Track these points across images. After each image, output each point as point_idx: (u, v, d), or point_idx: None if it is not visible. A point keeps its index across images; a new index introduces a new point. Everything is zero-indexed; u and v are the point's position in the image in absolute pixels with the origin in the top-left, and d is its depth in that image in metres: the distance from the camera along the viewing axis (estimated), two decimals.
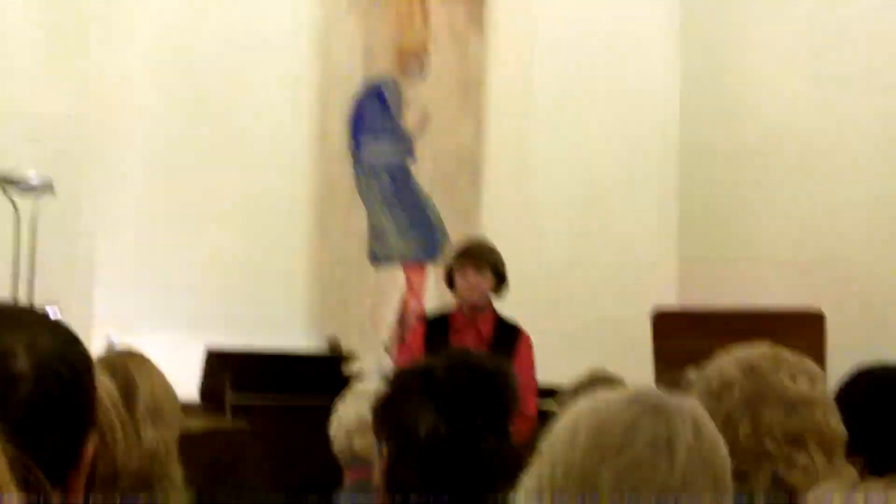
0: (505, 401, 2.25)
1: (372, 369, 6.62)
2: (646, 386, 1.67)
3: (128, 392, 2.33)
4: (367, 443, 3.14)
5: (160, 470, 2.69)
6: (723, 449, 1.63)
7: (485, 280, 5.76)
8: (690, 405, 1.64)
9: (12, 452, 1.00)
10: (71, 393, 1.40)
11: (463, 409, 2.19)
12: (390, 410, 2.25)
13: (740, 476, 2.12)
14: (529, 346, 5.80)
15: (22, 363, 1.36)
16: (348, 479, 3.37)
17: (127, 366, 2.56)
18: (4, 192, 7.04)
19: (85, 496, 1.78)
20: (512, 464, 2.10)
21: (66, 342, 1.43)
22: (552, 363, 5.67)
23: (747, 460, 2.25)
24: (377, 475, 2.29)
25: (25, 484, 0.96)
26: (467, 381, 2.21)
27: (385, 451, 2.25)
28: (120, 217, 7.54)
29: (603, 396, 1.63)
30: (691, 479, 1.56)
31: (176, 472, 2.76)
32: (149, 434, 2.62)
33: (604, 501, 1.54)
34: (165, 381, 2.80)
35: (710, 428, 1.64)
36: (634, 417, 1.58)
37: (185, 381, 4.01)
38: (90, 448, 1.45)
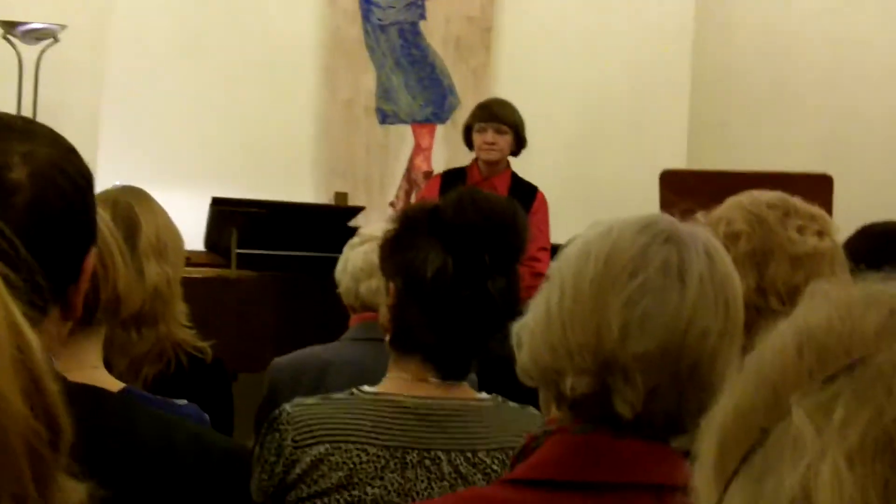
0: (513, 240, 2.21)
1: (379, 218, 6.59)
2: (659, 214, 1.63)
3: (129, 226, 2.29)
4: (373, 286, 3.12)
5: (163, 307, 2.67)
6: (735, 279, 1.60)
7: (504, 140, 5.78)
8: (704, 234, 1.61)
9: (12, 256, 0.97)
10: (70, 205, 1.37)
11: (470, 247, 2.16)
12: (398, 248, 2.22)
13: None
14: (544, 205, 5.84)
15: (18, 172, 1.34)
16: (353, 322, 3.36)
17: (129, 201, 2.52)
18: (6, 38, 6.92)
19: (86, 319, 1.76)
20: (519, 305, 2.07)
21: (65, 153, 1.40)
22: (561, 223, 5.66)
23: (749, 314, 2.22)
24: (383, 313, 2.27)
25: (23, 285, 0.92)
26: (475, 219, 2.17)
27: (392, 288, 2.22)
28: (127, 70, 7.45)
29: (615, 223, 1.59)
30: (702, 305, 1.53)
31: (180, 309, 2.74)
32: (152, 270, 2.60)
33: (613, 327, 1.51)
34: (169, 219, 2.77)
35: (723, 257, 1.60)
36: (646, 243, 1.54)
37: (191, 238, 3.97)
38: (90, 264, 1.42)
